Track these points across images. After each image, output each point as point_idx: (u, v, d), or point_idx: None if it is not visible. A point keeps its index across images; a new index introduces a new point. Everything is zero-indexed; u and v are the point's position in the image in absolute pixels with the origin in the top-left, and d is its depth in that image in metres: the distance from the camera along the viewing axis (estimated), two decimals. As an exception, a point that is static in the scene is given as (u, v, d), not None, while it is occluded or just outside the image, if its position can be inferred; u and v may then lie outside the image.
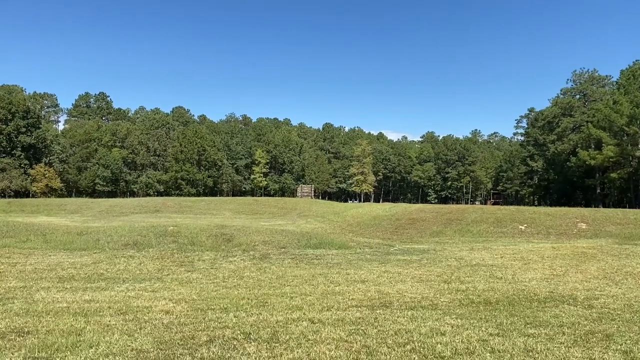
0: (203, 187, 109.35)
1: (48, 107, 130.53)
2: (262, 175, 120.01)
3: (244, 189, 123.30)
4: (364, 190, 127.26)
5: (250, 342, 6.52)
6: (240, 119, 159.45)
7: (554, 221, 29.46)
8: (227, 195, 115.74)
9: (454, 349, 6.32)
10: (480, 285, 11.58)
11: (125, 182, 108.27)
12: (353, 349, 6.25)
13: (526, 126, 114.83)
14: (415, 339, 6.75)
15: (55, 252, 15.93)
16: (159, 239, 17.72)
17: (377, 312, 8.61)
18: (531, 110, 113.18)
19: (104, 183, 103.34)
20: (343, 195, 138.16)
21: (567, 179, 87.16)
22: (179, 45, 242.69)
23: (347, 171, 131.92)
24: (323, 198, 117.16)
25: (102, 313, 8.36)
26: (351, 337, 6.82)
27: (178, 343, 6.46)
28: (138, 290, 10.63)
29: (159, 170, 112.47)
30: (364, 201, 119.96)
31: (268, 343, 6.49)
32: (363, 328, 7.34)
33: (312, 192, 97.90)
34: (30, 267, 13.43)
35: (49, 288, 10.64)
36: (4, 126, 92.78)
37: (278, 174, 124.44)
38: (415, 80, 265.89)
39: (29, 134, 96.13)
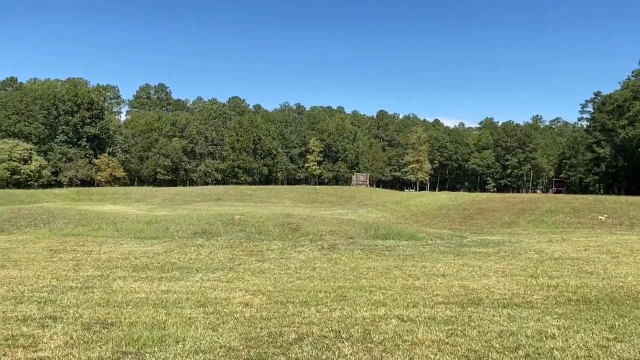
0: (259, 176, 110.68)
1: (111, 98, 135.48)
2: (316, 163, 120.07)
3: (298, 177, 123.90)
4: (419, 179, 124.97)
5: (343, 342, 6.07)
6: (294, 107, 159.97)
7: (638, 211, 27.51)
8: (282, 183, 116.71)
9: (575, 356, 5.63)
10: (572, 281, 10.69)
11: (185, 170, 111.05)
12: (459, 354, 5.68)
13: (592, 111, 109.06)
14: (524, 342, 6.10)
15: (127, 241, 16.14)
16: (227, 228, 17.68)
17: (469, 310, 7.99)
18: (597, 94, 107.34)
19: (165, 172, 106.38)
20: (398, 184, 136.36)
21: (639, 166, 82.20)
22: (234, 36, 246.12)
23: (402, 159, 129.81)
24: (377, 186, 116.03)
25: (181, 305, 8.17)
26: (451, 338, 6.25)
27: (267, 340, 6.11)
28: (212, 280, 10.45)
29: (216, 159, 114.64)
30: (419, 190, 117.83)
31: (362, 343, 6.03)
32: (460, 328, 6.76)
33: (367, 180, 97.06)
34: (104, 255, 13.59)
35: (125, 277, 10.63)
36: (70, 118, 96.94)
37: (332, 162, 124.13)
38: (472, 65, 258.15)
39: (93, 125, 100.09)
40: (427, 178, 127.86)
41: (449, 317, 7.47)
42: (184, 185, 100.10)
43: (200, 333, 6.42)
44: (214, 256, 13.57)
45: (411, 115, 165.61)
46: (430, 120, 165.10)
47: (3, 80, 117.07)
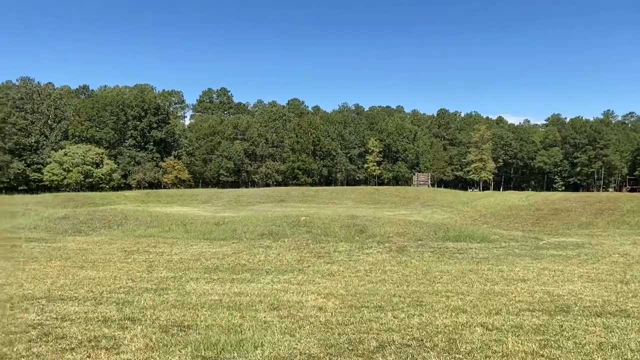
0: (318, 177, 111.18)
1: (175, 103, 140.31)
2: (375, 164, 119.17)
3: (357, 178, 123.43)
4: (483, 178, 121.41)
5: (428, 352, 5.73)
6: (353, 108, 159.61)
7: None
8: (341, 184, 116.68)
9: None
10: (669, 288, 9.82)
11: (247, 172, 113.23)
12: (560, 369, 5.22)
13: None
14: (630, 357, 5.54)
15: (196, 242, 16.43)
16: (293, 229, 17.68)
17: (558, 318, 7.43)
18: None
19: (228, 174, 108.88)
20: (460, 184, 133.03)
21: None
22: (293, 38, 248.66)
23: (464, 158, 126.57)
24: (439, 186, 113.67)
25: (255, 307, 8.09)
26: (546, 350, 5.77)
27: (347, 348, 5.86)
28: (283, 282, 10.35)
29: (277, 161, 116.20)
30: (482, 189, 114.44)
31: (448, 354, 5.67)
32: (553, 339, 6.25)
33: (429, 180, 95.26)
34: (176, 257, 13.85)
35: (197, 279, 10.72)
36: (138, 123, 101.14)
37: (391, 162, 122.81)
38: (537, 60, 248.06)
39: (159, 129, 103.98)
40: (491, 177, 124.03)
41: (537, 325, 6.96)
42: (246, 187, 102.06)
43: (277, 338, 6.27)
44: (283, 258, 13.52)
45: (473, 113, 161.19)
46: (494, 117, 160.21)
47: (76, 89, 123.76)
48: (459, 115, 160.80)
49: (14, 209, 28.36)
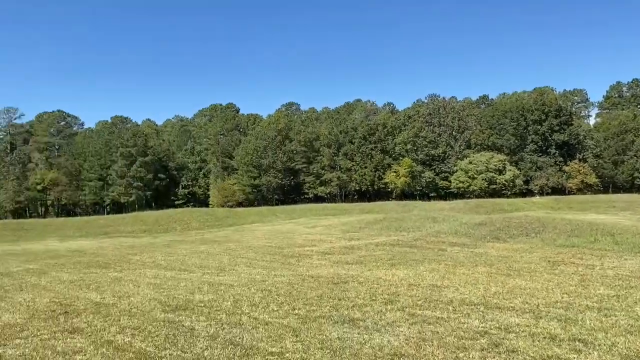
0: None
1: (578, 103, 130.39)
2: None
3: None
4: None
5: None
6: None
7: None
8: None
9: None
10: None
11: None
12: None
13: None
14: None
15: (631, 256, 14.23)
16: None
17: None
18: None
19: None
20: None
21: None
22: None
23: None
24: None
25: None
26: None
27: None
28: None
29: None
30: None
31: None
32: None
33: None
34: (610, 272, 12.28)
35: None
36: (538, 127, 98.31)
37: None
38: None
39: (561, 131, 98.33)
40: None
41: None
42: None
43: None
44: None
45: None
46: None
47: (477, 99, 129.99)
48: None
49: (434, 214, 31.39)
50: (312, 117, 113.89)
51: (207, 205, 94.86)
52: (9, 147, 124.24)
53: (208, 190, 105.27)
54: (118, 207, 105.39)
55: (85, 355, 6.81)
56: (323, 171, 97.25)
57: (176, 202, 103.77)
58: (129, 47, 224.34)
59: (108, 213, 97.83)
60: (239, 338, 7.41)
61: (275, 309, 9.32)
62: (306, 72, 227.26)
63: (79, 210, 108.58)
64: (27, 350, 7.12)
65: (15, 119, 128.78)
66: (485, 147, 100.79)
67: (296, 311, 9.07)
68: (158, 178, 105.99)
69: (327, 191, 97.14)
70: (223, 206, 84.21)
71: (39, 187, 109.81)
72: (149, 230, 35.77)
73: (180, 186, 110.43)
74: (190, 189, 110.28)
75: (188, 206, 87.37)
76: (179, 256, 18.86)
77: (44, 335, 7.88)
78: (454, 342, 7.00)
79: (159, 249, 21.99)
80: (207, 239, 26.84)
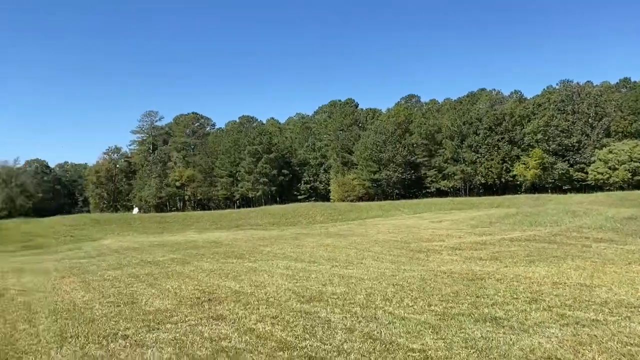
0: None
1: None
2: None
3: None
4: None
5: None
6: None
7: None
8: None
9: None
10: None
11: None
12: None
13: None
14: None
15: None
16: None
17: None
18: None
19: None
20: None
21: None
22: None
23: None
24: None
25: None
26: None
27: None
28: None
29: None
30: None
31: None
32: None
33: None
34: None
35: None
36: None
37: None
38: None
39: None
40: None
41: None
42: None
43: None
44: None
45: None
46: None
47: (616, 83, 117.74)
48: None
49: (573, 208, 28.96)
50: (433, 109, 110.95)
51: (328, 199, 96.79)
52: (151, 148, 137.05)
53: (329, 185, 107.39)
54: (246, 202, 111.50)
55: (230, 342, 7.10)
56: (446, 164, 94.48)
57: (298, 197, 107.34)
58: (254, 52, 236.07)
59: (237, 207, 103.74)
60: (377, 332, 7.28)
61: (410, 304, 9.07)
62: (426, 63, 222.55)
63: (212, 205, 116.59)
64: (177, 335, 7.59)
65: (156, 121, 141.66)
66: (627, 134, 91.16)
67: (432, 307, 8.74)
68: (282, 174, 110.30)
69: (450, 185, 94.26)
70: (343, 200, 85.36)
71: (177, 184, 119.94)
72: (276, 223, 37.23)
73: (302, 181, 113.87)
74: (312, 184, 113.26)
75: (310, 201, 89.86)
76: (307, 248, 19.29)
77: (191, 321, 8.38)
78: (617, 347, 6.27)
79: (287, 241, 22.70)
80: (332, 233, 27.22)
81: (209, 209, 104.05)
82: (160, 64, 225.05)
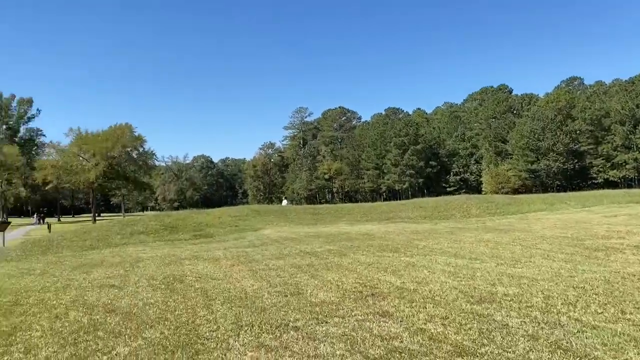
0: None
1: None
2: None
3: None
4: None
5: None
6: None
7: None
8: None
9: None
10: None
11: None
12: None
13: None
14: None
15: None
16: None
17: None
18: None
19: None
20: None
21: None
22: None
23: None
24: None
25: None
26: None
27: None
28: None
29: None
30: None
31: None
32: None
33: None
34: None
35: None
36: None
37: None
38: None
39: None
40: None
41: None
42: None
43: None
44: None
45: None
46: None
47: None
48: None
49: None
50: (600, 92, 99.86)
51: (479, 191, 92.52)
52: (301, 142, 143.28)
53: (480, 176, 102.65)
54: (393, 194, 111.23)
55: (402, 342, 6.82)
56: (615, 152, 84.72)
57: (447, 189, 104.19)
58: (398, 42, 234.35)
59: (384, 199, 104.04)
60: (567, 342, 6.46)
61: (599, 311, 8.00)
62: (589, 42, 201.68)
63: (359, 197, 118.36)
64: (346, 330, 7.50)
65: (305, 117, 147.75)
66: None
67: (627, 316, 7.60)
68: (429, 165, 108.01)
69: (621, 175, 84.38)
70: (497, 193, 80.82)
71: (326, 177, 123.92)
72: (428, 216, 36.27)
73: (452, 173, 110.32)
74: (462, 175, 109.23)
75: (459, 193, 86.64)
76: (465, 244, 18.36)
77: (358, 316, 8.26)
78: None
79: (442, 236, 21.88)
80: (490, 227, 25.67)
81: (356, 201, 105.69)
82: (310, 60, 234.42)
